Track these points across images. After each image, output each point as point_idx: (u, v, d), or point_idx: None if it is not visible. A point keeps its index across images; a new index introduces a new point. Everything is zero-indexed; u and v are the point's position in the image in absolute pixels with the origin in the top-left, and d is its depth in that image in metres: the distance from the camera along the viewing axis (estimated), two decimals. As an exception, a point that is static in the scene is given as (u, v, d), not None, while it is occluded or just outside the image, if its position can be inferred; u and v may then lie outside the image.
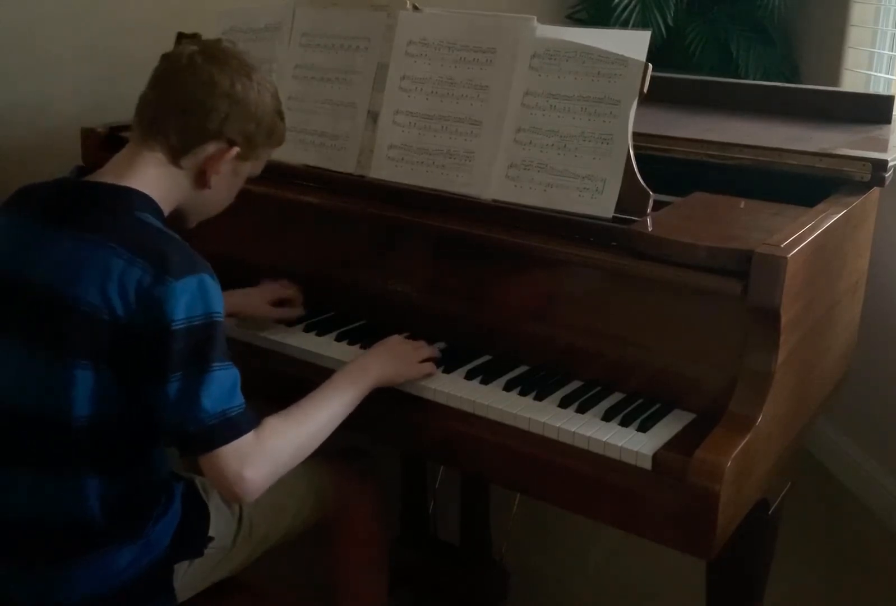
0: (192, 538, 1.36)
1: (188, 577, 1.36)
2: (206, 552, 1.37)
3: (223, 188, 1.37)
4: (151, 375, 1.18)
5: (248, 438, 1.21)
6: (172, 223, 1.32)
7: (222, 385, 1.20)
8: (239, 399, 1.22)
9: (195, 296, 1.18)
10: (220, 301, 1.23)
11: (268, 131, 1.36)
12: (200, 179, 1.32)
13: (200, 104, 1.28)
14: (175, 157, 1.30)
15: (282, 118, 1.39)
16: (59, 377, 1.20)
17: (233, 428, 1.20)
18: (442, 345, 1.52)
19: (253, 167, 1.40)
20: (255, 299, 1.63)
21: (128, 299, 1.17)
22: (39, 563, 1.27)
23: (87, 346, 1.19)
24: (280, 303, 1.64)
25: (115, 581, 1.28)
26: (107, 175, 1.29)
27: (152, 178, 1.29)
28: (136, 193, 1.27)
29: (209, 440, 1.19)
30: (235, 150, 1.32)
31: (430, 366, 1.45)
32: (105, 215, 1.24)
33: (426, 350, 1.46)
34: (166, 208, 1.31)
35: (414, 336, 1.53)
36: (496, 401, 1.38)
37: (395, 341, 1.47)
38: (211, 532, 1.38)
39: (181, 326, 1.17)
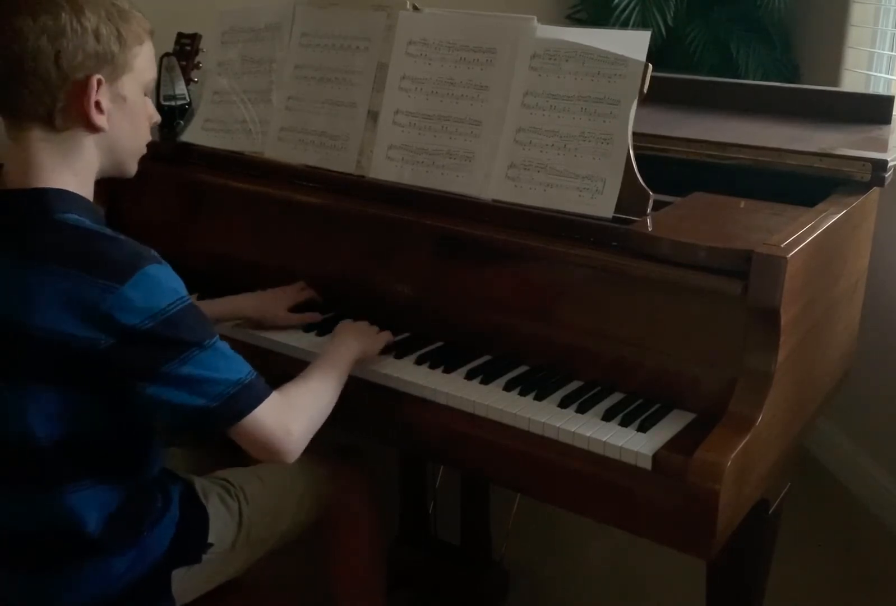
0: (191, 544, 1.34)
1: (187, 582, 1.34)
2: (204, 557, 1.36)
3: (124, 117, 1.20)
4: (143, 377, 1.12)
5: (275, 397, 1.19)
6: (116, 179, 1.25)
7: (226, 355, 1.16)
8: (248, 366, 1.19)
9: (149, 292, 1.10)
10: (177, 284, 1.14)
11: (116, 36, 1.14)
12: (90, 125, 1.16)
13: (19, 59, 1.10)
14: (49, 124, 1.15)
15: (121, 13, 1.16)
16: (16, 404, 1.14)
17: (256, 391, 1.17)
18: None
19: (139, 75, 1.20)
20: (270, 304, 1.60)
21: (78, 317, 1.09)
22: (33, 571, 1.25)
23: (46, 370, 1.12)
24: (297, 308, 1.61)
25: (112, 587, 1.26)
26: (10, 180, 1.17)
27: (51, 163, 1.16)
28: (50, 192, 1.15)
29: (237, 408, 1.15)
30: (95, 78, 1.14)
31: (386, 335, 1.50)
32: (26, 228, 1.13)
33: (374, 328, 1.51)
34: (90, 182, 1.21)
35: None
36: (496, 401, 1.37)
37: (350, 323, 1.52)
38: (210, 537, 1.37)
39: (147, 325, 1.10)
